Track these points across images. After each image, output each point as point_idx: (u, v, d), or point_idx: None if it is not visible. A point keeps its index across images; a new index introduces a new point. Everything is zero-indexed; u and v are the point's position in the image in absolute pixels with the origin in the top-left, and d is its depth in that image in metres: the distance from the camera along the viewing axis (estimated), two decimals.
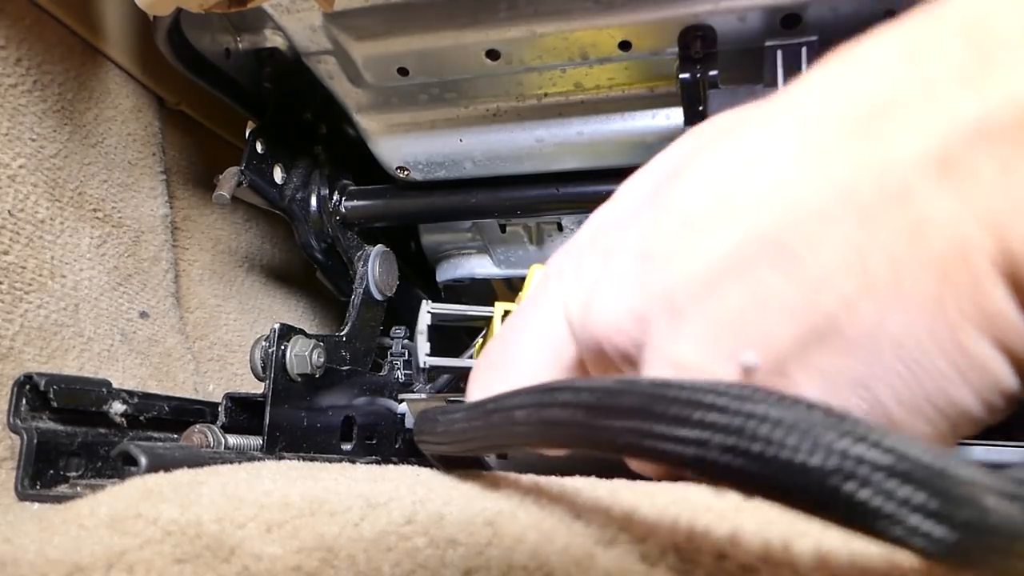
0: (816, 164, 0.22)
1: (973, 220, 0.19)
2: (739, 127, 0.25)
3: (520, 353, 0.31)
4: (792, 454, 0.14)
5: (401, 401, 0.66)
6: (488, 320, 0.44)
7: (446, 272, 0.79)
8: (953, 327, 0.19)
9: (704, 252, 0.24)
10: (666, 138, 0.57)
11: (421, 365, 0.40)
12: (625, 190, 0.31)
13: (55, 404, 0.42)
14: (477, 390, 0.33)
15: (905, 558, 0.19)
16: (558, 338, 0.30)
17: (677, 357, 0.24)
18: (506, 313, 0.40)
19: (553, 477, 0.33)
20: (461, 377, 0.65)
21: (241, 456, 0.45)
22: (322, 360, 0.53)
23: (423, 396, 0.65)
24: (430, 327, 0.42)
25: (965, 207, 0.19)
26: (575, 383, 0.21)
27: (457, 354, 0.67)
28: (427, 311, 0.42)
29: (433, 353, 0.68)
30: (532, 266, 0.40)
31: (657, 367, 0.25)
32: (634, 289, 0.26)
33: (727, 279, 0.23)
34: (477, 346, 0.46)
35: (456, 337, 0.86)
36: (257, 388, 0.51)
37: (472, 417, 0.27)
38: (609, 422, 0.19)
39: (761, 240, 0.22)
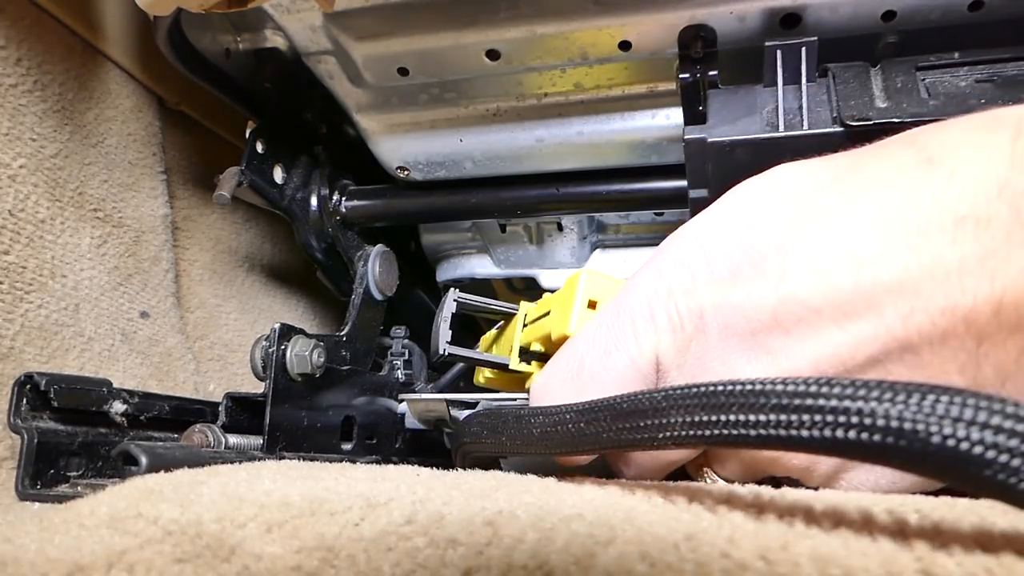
0: (940, 278, 0.26)
1: None
2: (840, 210, 0.29)
3: (601, 385, 0.34)
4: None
5: (401, 401, 0.66)
6: (508, 316, 0.44)
7: (446, 272, 0.79)
8: None
9: (835, 341, 0.28)
10: (666, 138, 0.57)
11: (441, 351, 0.40)
12: (704, 237, 0.34)
13: (56, 404, 0.42)
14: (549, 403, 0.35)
15: (905, 559, 0.19)
16: (644, 380, 0.33)
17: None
18: (527, 313, 0.42)
19: (552, 478, 0.33)
20: (469, 371, 0.66)
21: (241, 456, 0.45)
22: (322, 360, 0.53)
23: (423, 396, 0.65)
24: (454, 315, 0.42)
25: None
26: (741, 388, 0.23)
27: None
28: (454, 298, 0.42)
29: (429, 335, 0.68)
30: (579, 272, 0.40)
31: None
32: (763, 365, 0.30)
33: (856, 367, 0.28)
34: (488, 339, 0.46)
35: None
36: (257, 388, 0.51)
37: (598, 418, 0.28)
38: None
39: (890, 337, 0.27)
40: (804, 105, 0.43)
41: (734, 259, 0.31)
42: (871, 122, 0.40)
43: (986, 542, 0.20)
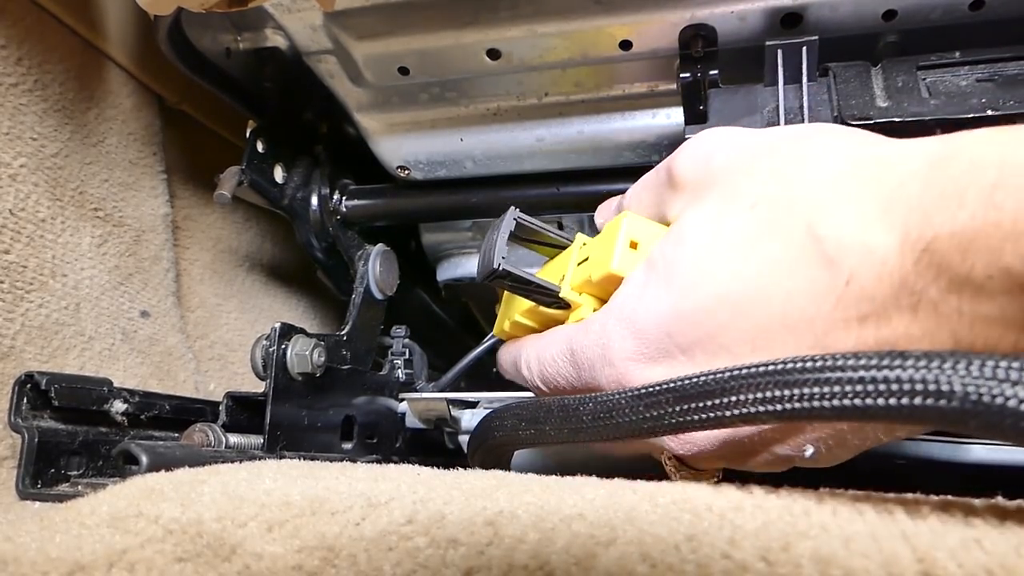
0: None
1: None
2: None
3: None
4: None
5: (402, 400, 0.66)
6: (561, 248, 0.44)
7: (446, 271, 0.79)
8: None
9: None
10: (666, 138, 0.57)
11: (495, 265, 0.40)
12: (639, 327, 0.36)
13: (56, 403, 0.42)
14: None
15: (906, 559, 0.19)
16: None
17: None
18: (584, 245, 0.41)
19: (553, 477, 0.33)
20: (470, 371, 0.66)
21: (242, 455, 0.45)
22: (323, 359, 0.53)
23: (424, 395, 0.65)
24: (512, 232, 0.42)
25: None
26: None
27: (459, 355, 0.67)
28: (514, 216, 0.42)
29: (429, 335, 0.69)
30: (622, 214, 0.40)
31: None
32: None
33: None
34: (547, 266, 0.45)
35: (458, 338, 0.86)
36: (258, 387, 0.51)
37: (659, 401, 0.29)
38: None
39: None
40: (805, 104, 0.43)
41: (665, 345, 0.33)
42: (872, 121, 0.40)
43: (987, 543, 0.20)
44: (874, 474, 0.30)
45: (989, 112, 0.38)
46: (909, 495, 0.26)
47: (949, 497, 0.25)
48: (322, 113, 0.66)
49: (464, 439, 0.72)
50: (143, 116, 0.63)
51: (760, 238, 0.31)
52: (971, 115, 0.38)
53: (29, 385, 0.41)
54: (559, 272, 0.41)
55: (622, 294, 0.37)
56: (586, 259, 0.40)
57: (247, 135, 0.59)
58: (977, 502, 0.24)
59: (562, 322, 0.41)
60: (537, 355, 0.41)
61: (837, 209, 0.29)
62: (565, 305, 0.40)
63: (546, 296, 0.40)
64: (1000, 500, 0.25)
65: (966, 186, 0.24)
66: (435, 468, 0.39)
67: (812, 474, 0.33)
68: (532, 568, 0.21)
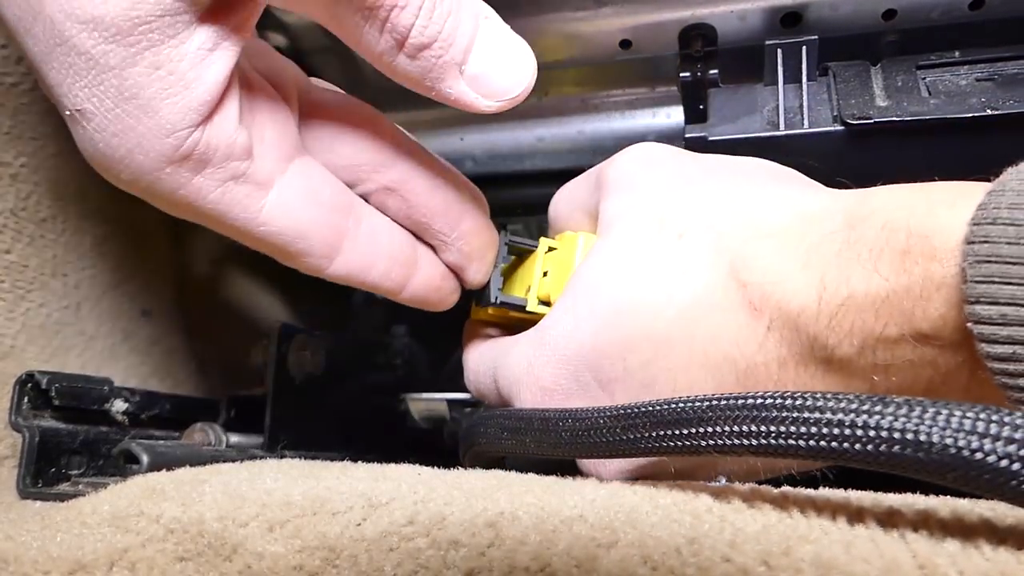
0: None
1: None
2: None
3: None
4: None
5: (402, 400, 0.66)
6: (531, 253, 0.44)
7: None
8: None
9: None
10: (666, 137, 0.57)
11: (493, 299, 0.41)
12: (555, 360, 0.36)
13: (57, 402, 0.42)
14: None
15: (908, 564, 0.19)
16: None
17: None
18: (550, 249, 0.41)
19: (554, 477, 0.33)
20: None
21: (243, 455, 0.45)
22: (323, 359, 0.53)
23: (424, 395, 0.65)
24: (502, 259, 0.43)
25: None
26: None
27: (448, 345, 0.67)
28: (505, 242, 0.43)
29: (429, 334, 0.69)
30: (576, 233, 0.40)
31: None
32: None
33: None
34: (515, 272, 0.45)
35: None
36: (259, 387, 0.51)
37: (636, 424, 0.29)
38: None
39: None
40: (805, 104, 0.43)
41: (583, 378, 0.33)
42: (871, 121, 0.40)
43: (987, 547, 0.20)
44: (874, 476, 0.30)
45: (988, 111, 0.38)
46: (910, 498, 0.26)
47: (950, 500, 0.25)
48: None
49: None
50: None
51: (686, 274, 0.31)
52: (971, 115, 0.38)
53: (30, 384, 0.41)
54: (526, 280, 0.42)
55: (548, 319, 0.37)
56: (552, 273, 0.40)
57: None
58: (979, 506, 0.24)
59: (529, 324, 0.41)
60: (472, 363, 0.43)
61: (762, 259, 0.29)
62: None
63: (519, 310, 0.41)
64: (1001, 505, 0.25)
65: (879, 251, 0.25)
66: (435, 468, 0.39)
67: (812, 476, 0.33)
68: (533, 570, 0.21)
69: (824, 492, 0.27)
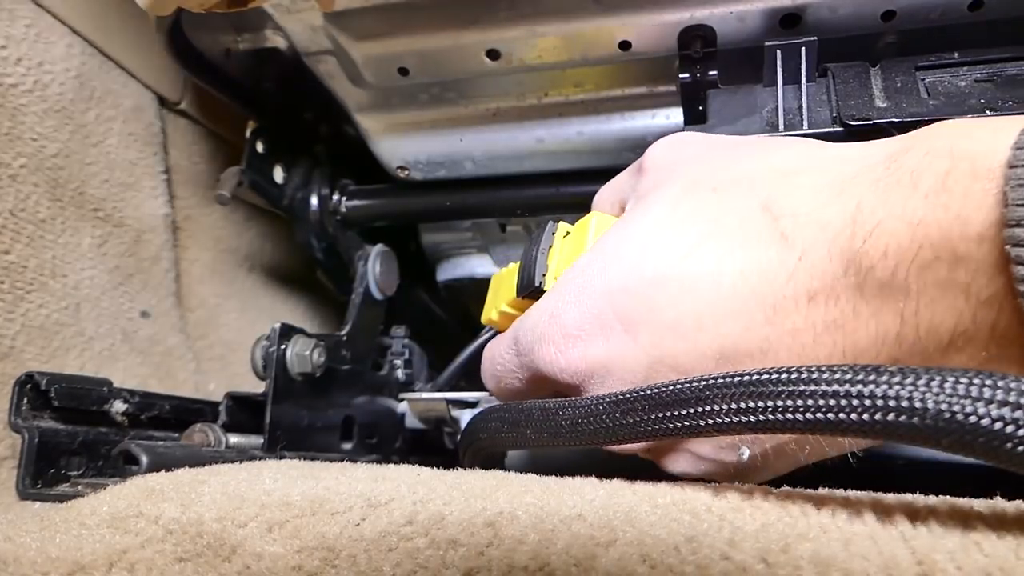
0: (786, 352, 0.30)
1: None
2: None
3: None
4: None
5: (401, 400, 0.66)
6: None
7: (446, 272, 0.79)
8: None
9: None
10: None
11: (536, 283, 0.40)
12: (579, 298, 0.36)
13: (56, 403, 0.42)
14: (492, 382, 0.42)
15: (906, 562, 0.19)
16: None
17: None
18: (567, 234, 0.41)
19: (553, 477, 0.33)
20: (469, 371, 0.65)
21: (242, 455, 0.45)
22: (323, 359, 0.53)
23: (424, 395, 0.65)
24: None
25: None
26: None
27: (447, 342, 0.67)
28: (551, 231, 0.43)
29: (429, 335, 0.68)
30: (590, 215, 0.40)
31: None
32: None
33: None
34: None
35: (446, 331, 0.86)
36: (258, 387, 0.51)
37: (635, 408, 0.29)
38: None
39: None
40: (804, 105, 0.43)
41: (606, 319, 0.33)
42: (871, 122, 0.40)
43: (986, 545, 0.20)
44: (874, 475, 0.30)
45: (988, 112, 0.38)
46: (908, 496, 0.26)
47: (948, 498, 0.25)
48: (322, 113, 0.66)
49: None
50: (143, 116, 0.63)
51: (716, 218, 0.31)
52: (970, 116, 0.38)
53: (29, 385, 0.41)
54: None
55: (572, 269, 0.37)
56: (563, 255, 0.40)
57: (247, 135, 0.59)
58: (977, 504, 0.24)
59: None
60: (489, 350, 0.42)
61: (794, 190, 0.29)
62: None
63: (537, 295, 0.40)
64: (999, 502, 0.25)
65: (921, 172, 0.25)
66: (435, 468, 0.39)
67: (812, 475, 0.33)
68: (532, 569, 0.21)
69: (823, 491, 0.27)
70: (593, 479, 0.32)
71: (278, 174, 0.62)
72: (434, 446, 0.69)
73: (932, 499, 0.25)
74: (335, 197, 0.67)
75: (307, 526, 0.26)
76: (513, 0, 0.50)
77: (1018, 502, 0.24)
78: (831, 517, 0.23)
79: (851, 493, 0.26)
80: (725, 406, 0.25)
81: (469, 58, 0.54)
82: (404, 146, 0.62)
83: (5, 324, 0.47)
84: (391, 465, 0.40)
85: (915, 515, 0.23)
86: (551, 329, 0.35)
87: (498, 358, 0.40)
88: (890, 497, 0.26)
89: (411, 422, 0.66)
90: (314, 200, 0.66)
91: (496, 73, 0.56)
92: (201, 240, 0.70)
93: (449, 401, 0.62)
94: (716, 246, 0.31)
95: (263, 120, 0.61)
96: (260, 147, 0.60)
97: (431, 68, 0.56)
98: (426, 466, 0.39)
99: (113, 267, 0.58)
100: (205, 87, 0.59)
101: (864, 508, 0.24)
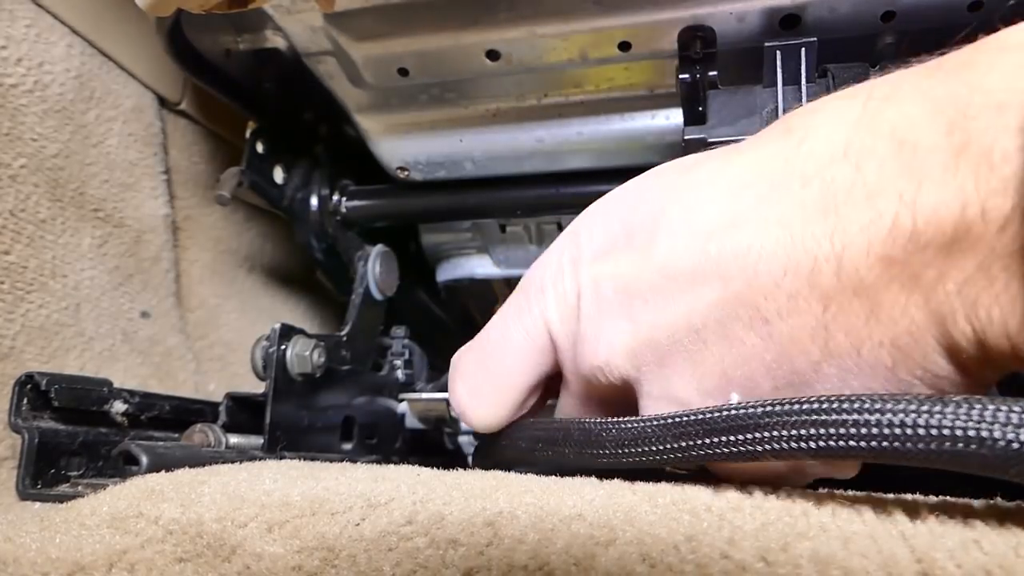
0: (783, 239, 0.26)
1: (922, 313, 0.24)
2: (706, 182, 0.30)
3: (505, 361, 0.36)
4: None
5: (402, 401, 0.66)
6: None
7: (446, 272, 0.79)
8: (906, 386, 0.25)
9: (686, 307, 0.29)
10: (666, 138, 0.57)
11: None
12: (598, 211, 0.35)
13: (56, 403, 0.42)
14: (464, 388, 0.38)
15: (905, 560, 0.19)
16: (540, 351, 0.36)
17: (673, 394, 0.30)
18: None
19: (553, 477, 0.33)
20: None
21: (242, 456, 0.45)
22: (323, 360, 0.53)
23: (424, 396, 0.65)
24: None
25: (914, 302, 0.24)
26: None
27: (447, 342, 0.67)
28: None
29: (429, 335, 0.68)
30: None
31: (655, 400, 0.30)
32: (624, 333, 0.31)
33: (708, 334, 0.28)
34: None
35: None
36: (258, 388, 0.51)
37: (688, 433, 0.28)
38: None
39: (737, 302, 0.27)
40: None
41: (614, 234, 0.33)
42: None
43: (985, 543, 0.20)
44: (873, 474, 0.30)
45: None
46: (908, 495, 0.26)
47: (948, 498, 0.25)
48: (322, 114, 0.66)
49: (464, 440, 0.72)
50: (143, 117, 0.63)
51: (759, 156, 0.30)
52: None
53: (29, 385, 0.41)
54: None
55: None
56: None
57: (247, 136, 0.59)
58: (976, 503, 0.24)
59: None
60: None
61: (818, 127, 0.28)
62: None
63: None
64: (999, 500, 0.25)
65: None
66: (435, 468, 0.39)
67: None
68: (532, 568, 0.21)
69: (822, 490, 0.27)
70: (593, 479, 0.32)
71: (278, 174, 0.62)
72: (434, 446, 0.69)
73: (932, 498, 0.25)
74: (335, 197, 0.67)
75: (307, 526, 0.26)
76: (513, 1, 0.50)
77: (1018, 501, 0.24)
78: (831, 516, 0.23)
79: (851, 492, 0.26)
80: (786, 432, 0.25)
81: (469, 59, 0.54)
82: (404, 147, 0.62)
83: (5, 324, 0.47)
84: (391, 465, 0.40)
85: (915, 514, 0.23)
86: (576, 251, 0.35)
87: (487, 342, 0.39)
88: (890, 496, 0.26)
89: (411, 422, 0.66)
90: (314, 200, 0.66)
91: (496, 74, 0.56)
92: (201, 240, 0.70)
93: (449, 401, 0.62)
94: (728, 154, 0.30)
95: (263, 120, 0.61)
96: (260, 147, 0.60)
97: (431, 69, 0.56)
98: (426, 466, 0.39)
99: (113, 267, 0.58)
100: (205, 88, 0.59)
101: (863, 507, 0.24)
